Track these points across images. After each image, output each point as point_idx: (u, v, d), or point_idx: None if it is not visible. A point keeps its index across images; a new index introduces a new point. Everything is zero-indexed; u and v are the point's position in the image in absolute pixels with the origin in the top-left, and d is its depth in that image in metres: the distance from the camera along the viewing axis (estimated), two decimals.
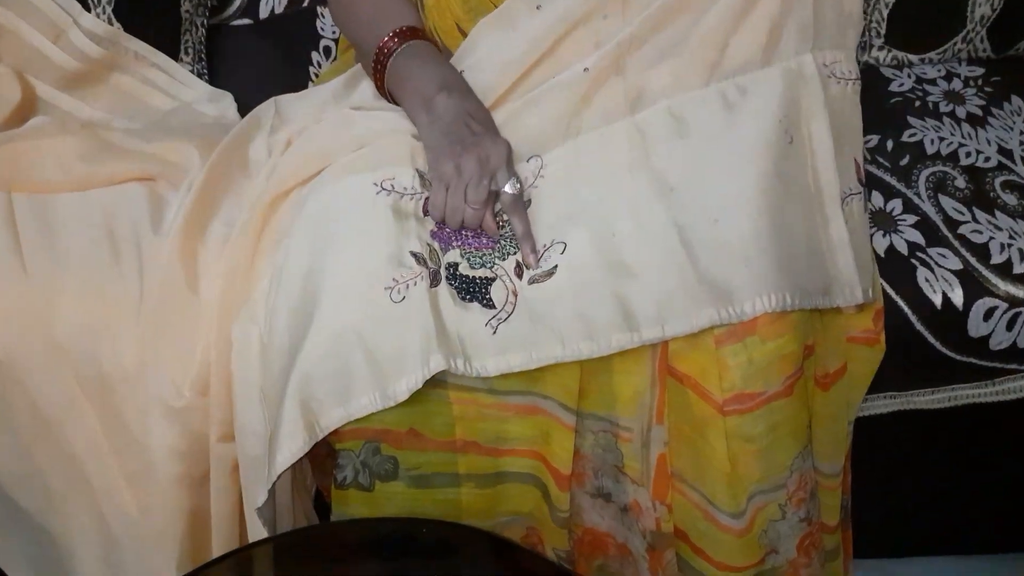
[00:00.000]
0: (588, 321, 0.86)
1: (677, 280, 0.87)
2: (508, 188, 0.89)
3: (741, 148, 0.91)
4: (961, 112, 1.21)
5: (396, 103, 0.98)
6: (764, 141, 0.91)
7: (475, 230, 0.91)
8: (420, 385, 0.84)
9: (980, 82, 1.25)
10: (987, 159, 1.15)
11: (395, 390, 0.84)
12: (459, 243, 0.91)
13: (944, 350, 1.07)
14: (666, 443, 0.92)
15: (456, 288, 0.88)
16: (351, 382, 0.85)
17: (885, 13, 1.26)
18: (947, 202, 1.11)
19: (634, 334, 0.87)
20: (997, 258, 1.06)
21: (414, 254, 0.88)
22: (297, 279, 0.88)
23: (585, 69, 0.95)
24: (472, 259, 0.90)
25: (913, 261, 1.06)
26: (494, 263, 0.90)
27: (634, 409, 0.91)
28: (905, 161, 1.15)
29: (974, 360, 1.08)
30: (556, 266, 0.89)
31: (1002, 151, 1.15)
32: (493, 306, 0.88)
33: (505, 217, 0.91)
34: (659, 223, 0.89)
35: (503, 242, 0.91)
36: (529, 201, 0.92)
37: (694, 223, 0.88)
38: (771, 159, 0.91)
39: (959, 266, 1.06)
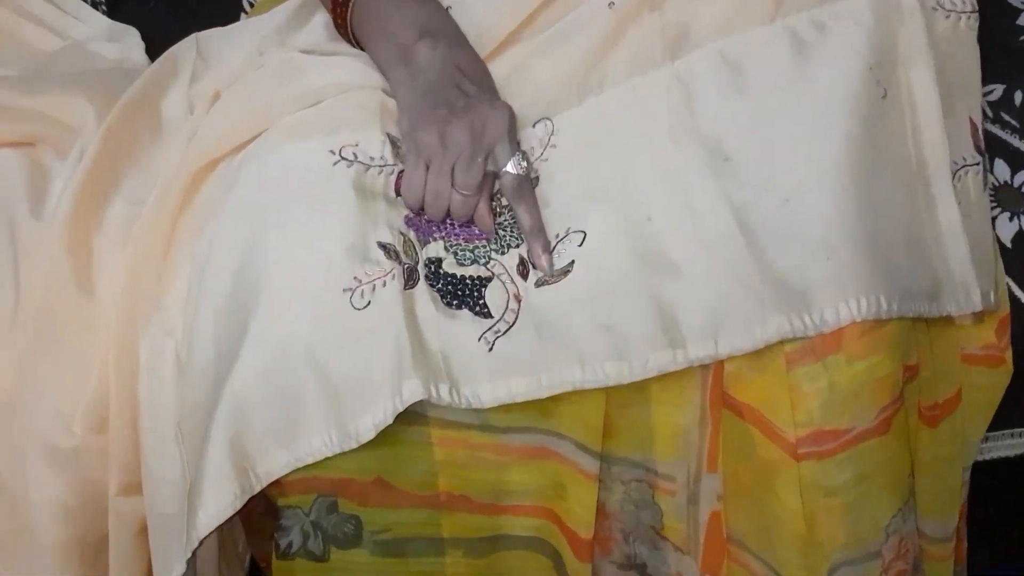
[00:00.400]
0: (616, 335, 0.87)
1: (735, 278, 0.87)
2: (511, 167, 0.90)
3: (818, 104, 0.91)
4: None
5: (360, 47, 0.99)
6: (849, 95, 0.91)
7: (463, 221, 0.92)
8: (391, 421, 0.84)
9: None
10: None
11: (357, 427, 0.84)
12: (442, 233, 0.92)
13: None
14: (720, 497, 0.93)
15: (439, 291, 0.89)
16: (299, 416, 0.85)
17: None
18: None
19: (678, 352, 0.87)
20: None
21: (383, 245, 0.88)
22: (226, 277, 0.88)
23: (610, 3, 0.96)
24: (461, 253, 0.91)
25: None
26: (490, 258, 0.91)
27: (677, 451, 0.91)
28: None
29: None
30: (572, 262, 0.89)
31: None
32: (489, 315, 0.88)
33: (504, 203, 0.92)
34: (710, 203, 0.89)
35: (502, 232, 0.92)
36: (536, 179, 0.93)
37: (757, 203, 0.89)
38: (858, 118, 0.91)
39: None
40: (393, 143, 0.93)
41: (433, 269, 0.90)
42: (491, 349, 0.87)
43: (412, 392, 0.83)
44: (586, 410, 0.89)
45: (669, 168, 0.91)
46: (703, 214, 0.89)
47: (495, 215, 0.92)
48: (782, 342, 0.87)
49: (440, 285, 0.89)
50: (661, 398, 0.90)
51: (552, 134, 0.94)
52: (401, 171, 0.92)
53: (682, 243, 0.89)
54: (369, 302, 0.86)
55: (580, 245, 0.90)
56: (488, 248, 0.91)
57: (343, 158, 0.90)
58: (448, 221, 0.92)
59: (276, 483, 0.87)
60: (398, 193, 0.92)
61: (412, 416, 0.86)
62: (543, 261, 0.89)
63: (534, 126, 0.95)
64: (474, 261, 0.90)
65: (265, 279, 0.87)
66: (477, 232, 0.92)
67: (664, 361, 0.87)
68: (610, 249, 0.89)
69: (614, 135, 0.93)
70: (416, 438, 0.87)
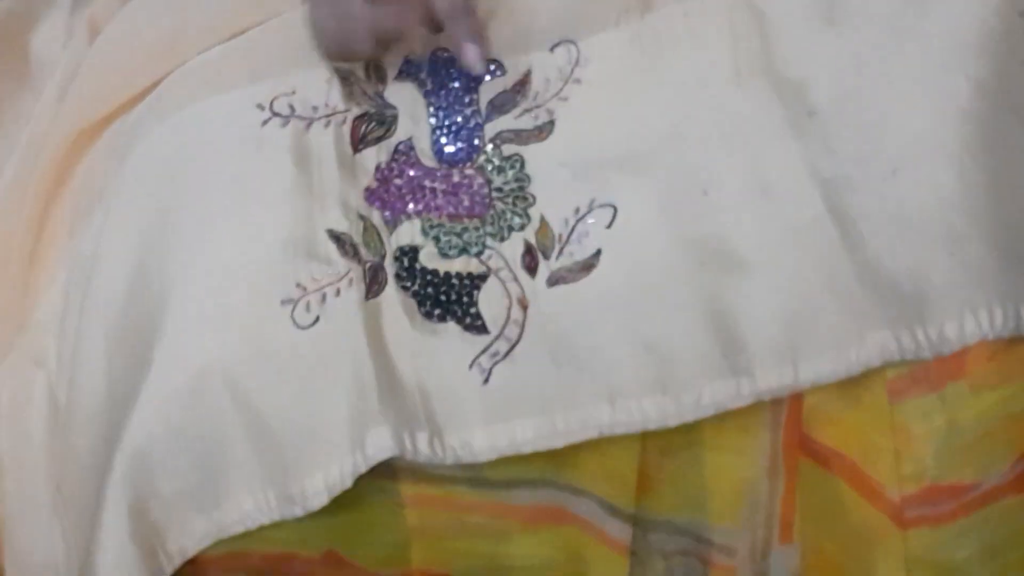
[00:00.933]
0: (659, 357, 0.84)
1: (822, 278, 0.84)
2: None
3: (938, 42, 0.88)
4: None
5: None
6: (980, 30, 0.88)
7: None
8: (349, 484, 0.82)
9: None
10: None
11: (304, 489, 0.83)
12: (419, 206, 0.89)
13: None
14: None
15: (415, 295, 0.87)
16: (223, 471, 0.84)
17: None
18: None
19: (743, 381, 0.83)
20: None
21: (335, 236, 0.87)
22: (120, 285, 0.87)
23: None
24: (444, 239, 0.89)
25: None
26: (484, 247, 0.88)
27: (739, 515, 0.89)
28: None
29: None
30: (599, 251, 0.87)
31: None
32: (484, 328, 0.86)
33: (497, 167, 0.91)
34: (789, 173, 0.87)
35: (501, 206, 0.89)
36: (551, 123, 0.92)
37: (853, 174, 0.86)
38: (992, 62, 0.88)
39: None
40: (344, 79, 0.92)
41: (407, 264, 0.88)
42: (487, 380, 0.84)
43: (379, 445, 0.82)
44: (615, 457, 0.86)
45: (732, 122, 0.89)
46: (779, 188, 0.86)
47: (489, 184, 0.90)
48: (885, 366, 0.83)
49: (416, 286, 0.87)
50: (717, 442, 0.87)
51: (576, 64, 0.92)
52: (356, 116, 0.91)
53: (750, 228, 0.86)
54: (317, 318, 0.84)
55: (609, 226, 0.87)
56: (482, 230, 0.89)
57: (276, 113, 0.89)
58: (427, 185, 0.90)
59: (190, 561, 0.86)
60: (356, 148, 0.90)
61: (376, 467, 0.84)
62: (468, 51, 0.89)
63: (552, 50, 0.93)
64: (463, 251, 0.88)
65: (173, 287, 0.86)
66: (467, 204, 0.90)
67: (724, 394, 0.83)
68: (650, 233, 0.87)
69: (660, 73, 0.91)
70: (381, 497, 0.85)
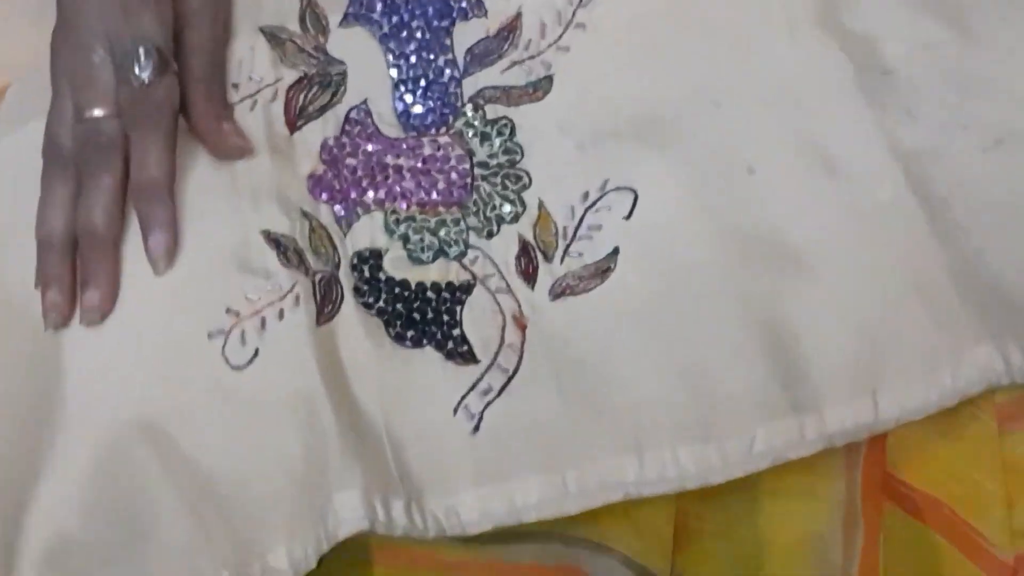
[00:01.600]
0: (696, 389, 0.76)
1: (905, 279, 0.77)
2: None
3: None
4: None
5: None
6: None
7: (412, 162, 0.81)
8: (313, 564, 0.73)
9: None
10: None
11: (265, 566, 0.73)
12: (380, 193, 0.80)
13: None
14: None
15: (381, 313, 0.78)
16: (161, 546, 0.75)
17: None
18: None
19: (807, 420, 0.75)
20: None
21: (274, 240, 0.78)
22: (3, 318, 0.80)
23: None
24: (415, 238, 0.80)
25: None
26: (466, 245, 0.79)
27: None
28: None
29: None
30: (616, 250, 0.78)
31: None
32: (471, 356, 0.76)
33: (489, 143, 0.83)
34: (860, 145, 0.80)
35: (488, 185, 0.81)
36: (549, 79, 0.83)
37: (943, 146, 0.79)
38: None
39: None
40: (273, 39, 0.83)
41: (368, 273, 0.78)
42: (477, 427, 0.75)
43: (344, 517, 0.72)
44: (646, 506, 0.78)
45: (784, 82, 0.81)
46: (846, 164, 0.79)
47: (470, 157, 0.81)
48: (992, 391, 0.77)
49: (381, 303, 0.77)
50: (777, 485, 0.79)
51: (579, 5, 0.84)
52: (291, 85, 0.82)
53: (808, 215, 0.78)
54: (256, 351, 0.74)
55: (627, 216, 0.79)
56: (463, 225, 0.79)
57: None
58: (390, 163, 0.81)
59: None
60: (293, 126, 0.81)
61: None
62: (151, 245, 0.77)
63: None
64: (440, 253, 0.78)
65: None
66: (442, 187, 0.80)
67: (782, 439, 0.75)
68: (681, 225, 0.79)
69: (688, 18, 0.84)
70: (345, 554, 0.76)
